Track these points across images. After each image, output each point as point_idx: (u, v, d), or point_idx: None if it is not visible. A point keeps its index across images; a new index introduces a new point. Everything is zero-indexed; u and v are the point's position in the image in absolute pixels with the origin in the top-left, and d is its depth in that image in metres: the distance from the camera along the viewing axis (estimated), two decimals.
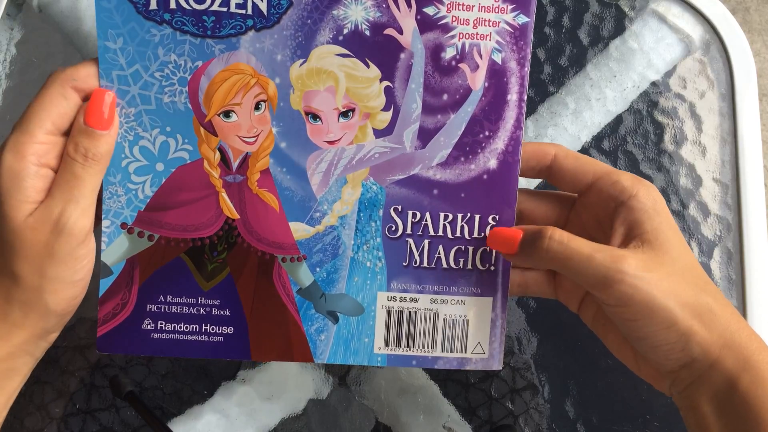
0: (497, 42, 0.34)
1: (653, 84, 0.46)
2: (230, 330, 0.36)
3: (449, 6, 0.34)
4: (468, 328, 0.36)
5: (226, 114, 0.34)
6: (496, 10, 0.34)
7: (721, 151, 0.46)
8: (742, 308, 0.44)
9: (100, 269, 0.35)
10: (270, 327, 0.36)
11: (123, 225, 0.35)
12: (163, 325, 0.35)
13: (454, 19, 0.34)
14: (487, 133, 0.35)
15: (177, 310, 0.35)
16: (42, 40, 0.45)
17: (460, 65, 0.34)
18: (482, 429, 0.42)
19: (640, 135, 0.46)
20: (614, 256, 0.30)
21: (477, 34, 0.34)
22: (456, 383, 0.43)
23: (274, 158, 0.35)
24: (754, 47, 1.24)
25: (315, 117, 0.34)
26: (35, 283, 0.31)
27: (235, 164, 0.35)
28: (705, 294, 0.31)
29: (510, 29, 0.34)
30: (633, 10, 0.47)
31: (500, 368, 0.37)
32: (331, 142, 0.35)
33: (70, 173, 0.31)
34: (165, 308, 0.35)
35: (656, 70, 0.46)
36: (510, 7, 0.34)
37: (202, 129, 0.34)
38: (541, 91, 0.46)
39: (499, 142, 0.35)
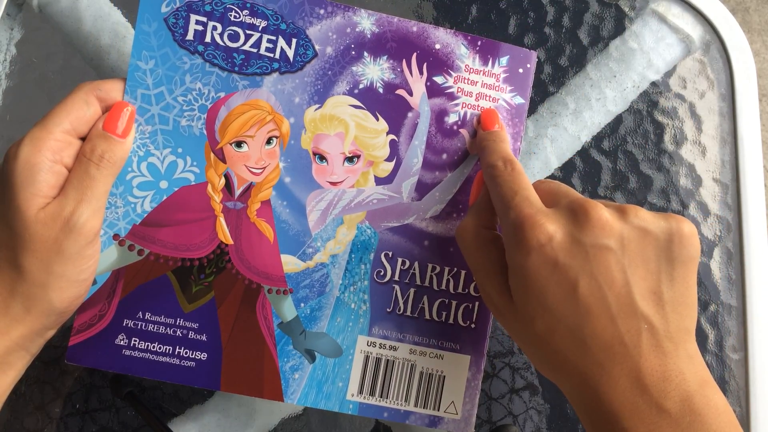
0: None
1: (653, 84, 0.46)
2: (204, 356, 0.35)
3: (456, 78, 0.37)
4: (443, 385, 0.36)
5: (238, 144, 0.36)
6: (497, 89, 0.38)
7: (721, 151, 0.45)
8: (742, 308, 0.43)
9: None
10: (245, 358, 0.35)
11: (115, 236, 0.35)
12: (136, 343, 0.34)
13: (459, 90, 0.37)
14: None
15: (153, 328, 0.35)
16: (42, 40, 0.45)
17: (460, 130, 0.37)
18: (482, 429, 0.40)
19: (640, 135, 0.46)
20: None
21: (478, 105, 0.38)
22: None
23: (276, 191, 0.36)
24: (754, 47, 1.22)
25: (322, 158, 0.36)
26: (41, 278, 0.31)
27: (238, 191, 0.36)
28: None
29: (507, 107, 0.38)
30: (633, 10, 0.47)
31: None
32: (333, 183, 0.36)
33: (85, 173, 0.32)
34: (142, 325, 0.34)
35: (656, 70, 0.46)
36: (509, 88, 0.38)
37: (212, 155, 0.36)
38: (541, 91, 0.46)
39: None
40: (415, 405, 0.36)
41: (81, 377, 0.39)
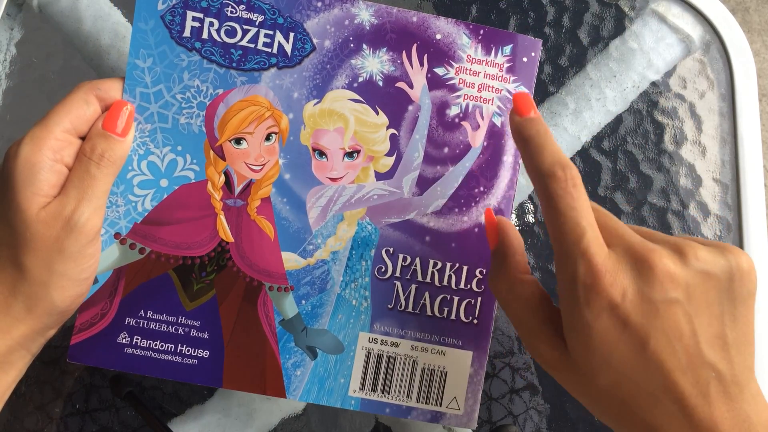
0: (498, 107, 0.37)
1: (653, 84, 0.46)
2: (206, 354, 0.35)
3: (458, 69, 0.37)
4: (445, 381, 0.36)
5: (237, 141, 0.36)
6: (500, 79, 0.37)
7: (721, 151, 0.45)
8: None
9: None
10: (247, 355, 0.35)
11: (116, 235, 0.35)
12: (138, 341, 0.35)
13: (461, 81, 0.37)
14: (481, 189, 0.37)
15: (155, 326, 0.35)
16: (42, 40, 0.44)
17: (462, 123, 0.37)
18: (482, 429, 0.40)
19: (640, 135, 0.45)
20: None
21: (480, 97, 0.37)
22: None
23: (276, 188, 0.36)
24: (754, 47, 1.20)
25: (321, 154, 0.36)
26: (43, 277, 0.31)
27: (237, 189, 0.36)
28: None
29: (510, 97, 0.37)
30: (633, 10, 0.47)
31: (474, 427, 0.36)
32: (333, 179, 0.36)
33: (86, 172, 0.32)
34: (144, 323, 0.35)
35: (656, 70, 0.46)
36: (512, 78, 0.37)
37: (211, 152, 0.36)
38: (541, 91, 0.46)
39: (492, 199, 0.37)
40: (417, 401, 0.36)
41: (81, 377, 0.40)
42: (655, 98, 0.46)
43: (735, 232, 0.44)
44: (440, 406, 0.36)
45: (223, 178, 0.36)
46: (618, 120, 0.46)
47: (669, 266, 0.28)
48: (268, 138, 0.36)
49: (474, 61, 0.37)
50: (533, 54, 0.37)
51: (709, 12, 0.47)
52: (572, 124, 0.45)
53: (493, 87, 0.37)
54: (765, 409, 0.28)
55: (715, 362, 0.28)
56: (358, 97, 0.36)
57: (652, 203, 0.45)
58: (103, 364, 0.34)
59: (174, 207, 0.35)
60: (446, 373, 0.36)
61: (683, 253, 0.29)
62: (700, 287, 0.28)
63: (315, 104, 0.36)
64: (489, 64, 0.37)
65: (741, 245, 0.44)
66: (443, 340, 0.36)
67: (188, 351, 0.35)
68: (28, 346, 0.33)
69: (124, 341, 0.34)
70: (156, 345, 0.35)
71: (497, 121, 0.37)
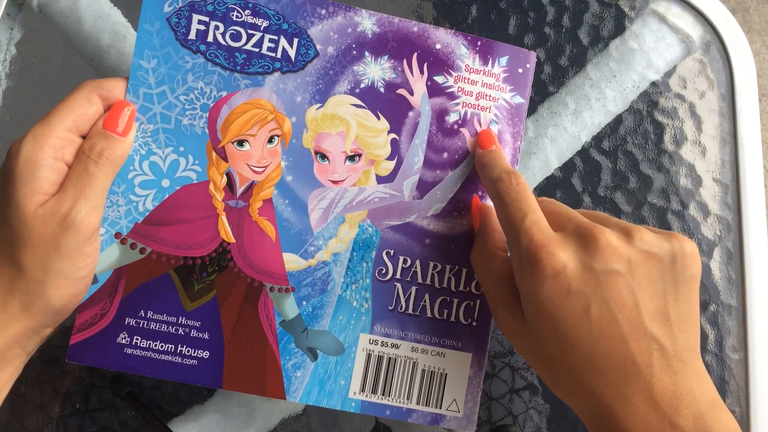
0: (495, 115, 0.38)
1: (653, 84, 0.46)
2: (206, 354, 0.35)
3: (456, 78, 0.38)
4: (445, 383, 0.36)
5: (240, 143, 0.36)
6: (497, 89, 0.38)
7: (721, 151, 0.46)
8: (742, 308, 0.43)
9: None
10: (247, 356, 0.35)
11: (117, 235, 0.35)
12: (138, 341, 0.34)
13: (459, 89, 0.38)
14: (480, 193, 0.37)
15: (156, 327, 0.34)
16: (42, 40, 0.44)
17: (461, 129, 0.38)
18: (482, 429, 0.40)
19: (640, 135, 0.46)
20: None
21: (478, 105, 0.38)
22: None
23: (278, 190, 0.36)
24: (754, 47, 1.21)
25: (323, 157, 0.36)
26: (39, 275, 0.31)
27: (239, 190, 0.36)
28: None
29: (507, 106, 0.38)
30: (633, 10, 0.47)
31: (473, 431, 0.36)
32: (335, 182, 0.36)
33: (84, 170, 0.32)
34: (144, 324, 0.34)
35: (656, 70, 0.46)
36: (509, 88, 0.38)
37: (214, 153, 0.36)
38: (541, 91, 0.46)
39: (490, 202, 0.37)
40: (417, 403, 0.36)
41: (81, 377, 0.39)
42: (655, 98, 0.47)
43: (735, 232, 0.45)
44: (440, 408, 0.36)
45: (225, 179, 0.36)
46: (618, 120, 0.46)
47: (612, 241, 0.30)
48: (270, 140, 0.36)
49: (472, 70, 0.38)
50: (528, 65, 0.38)
51: (709, 12, 0.47)
52: (572, 124, 0.45)
53: (490, 96, 0.38)
54: (710, 388, 0.30)
55: (657, 335, 0.29)
56: (360, 102, 0.37)
57: (652, 203, 0.46)
58: (103, 365, 0.34)
59: (175, 207, 0.35)
60: (446, 375, 0.36)
61: (629, 234, 0.31)
62: (642, 265, 0.30)
63: (318, 108, 0.36)
64: (486, 73, 0.38)
65: (741, 245, 0.44)
66: (443, 341, 0.37)
67: (188, 351, 0.35)
68: (23, 345, 0.32)
69: (123, 341, 0.34)
70: (156, 345, 0.34)
71: (494, 129, 0.38)
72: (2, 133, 0.43)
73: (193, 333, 0.35)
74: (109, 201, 0.35)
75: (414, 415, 0.36)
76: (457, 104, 0.38)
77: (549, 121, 0.46)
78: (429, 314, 0.37)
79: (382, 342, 0.36)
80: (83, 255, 0.32)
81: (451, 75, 0.38)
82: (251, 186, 0.36)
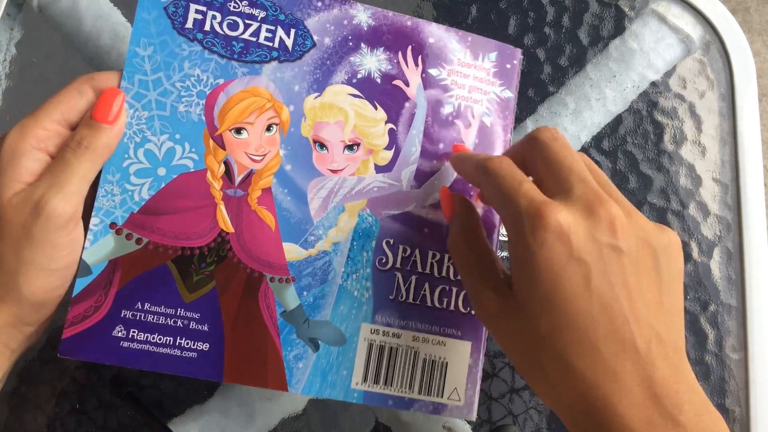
0: (487, 108, 0.39)
1: (653, 84, 0.46)
2: (206, 347, 0.34)
3: (450, 71, 0.38)
4: (446, 372, 0.36)
5: (238, 131, 0.35)
6: (488, 83, 0.39)
7: (721, 151, 0.45)
8: (742, 308, 0.43)
9: (78, 268, 0.33)
10: (248, 348, 0.34)
11: (112, 225, 0.34)
12: (135, 334, 0.33)
13: (452, 82, 0.38)
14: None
15: (153, 319, 0.33)
16: (42, 40, 0.44)
17: (455, 121, 0.38)
18: (482, 429, 0.40)
19: (640, 135, 0.46)
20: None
21: (471, 98, 0.39)
22: None
23: (277, 179, 0.36)
24: (754, 47, 1.21)
25: (322, 146, 0.36)
26: (11, 265, 0.30)
27: (238, 179, 0.35)
28: None
29: (498, 99, 0.39)
30: (633, 10, 0.47)
31: (474, 418, 0.37)
32: (334, 171, 0.36)
33: (61, 158, 0.31)
34: (141, 316, 0.33)
35: (656, 70, 0.46)
36: (498, 82, 0.39)
37: (211, 141, 0.35)
38: (541, 91, 0.46)
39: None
40: (419, 392, 0.36)
41: (80, 377, 0.38)
42: (654, 98, 0.47)
43: (735, 232, 0.45)
44: (442, 397, 0.36)
45: (223, 167, 0.35)
46: (618, 120, 0.46)
47: (621, 217, 0.28)
48: (268, 129, 0.36)
49: (464, 64, 0.39)
50: (515, 62, 0.40)
51: (709, 12, 0.47)
52: (572, 124, 0.45)
53: (481, 89, 0.39)
54: (702, 393, 0.27)
55: (654, 324, 0.27)
56: (357, 92, 0.37)
57: (652, 203, 0.46)
58: (98, 359, 0.32)
59: (172, 196, 0.34)
60: (447, 363, 0.36)
61: (630, 216, 0.29)
62: (641, 250, 0.28)
63: (315, 97, 0.36)
64: (477, 68, 0.39)
65: (741, 245, 0.44)
66: (443, 330, 0.37)
67: (187, 344, 0.33)
68: (5, 341, 0.31)
69: (120, 335, 0.33)
70: (154, 338, 0.33)
71: (487, 121, 0.39)
72: (2, 133, 0.42)
73: (193, 325, 0.34)
74: (104, 190, 0.34)
75: (416, 405, 0.36)
76: (451, 96, 0.38)
77: (549, 121, 0.46)
78: (429, 303, 0.37)
79: (383, 331, 0.36)
80: (57, 245, 0.31)
81: (444, 68, 0.38)
82: (250, 175, 0.35)
